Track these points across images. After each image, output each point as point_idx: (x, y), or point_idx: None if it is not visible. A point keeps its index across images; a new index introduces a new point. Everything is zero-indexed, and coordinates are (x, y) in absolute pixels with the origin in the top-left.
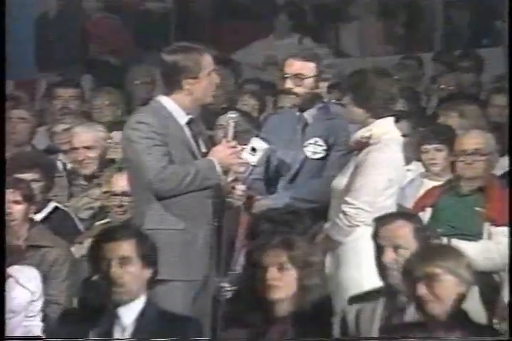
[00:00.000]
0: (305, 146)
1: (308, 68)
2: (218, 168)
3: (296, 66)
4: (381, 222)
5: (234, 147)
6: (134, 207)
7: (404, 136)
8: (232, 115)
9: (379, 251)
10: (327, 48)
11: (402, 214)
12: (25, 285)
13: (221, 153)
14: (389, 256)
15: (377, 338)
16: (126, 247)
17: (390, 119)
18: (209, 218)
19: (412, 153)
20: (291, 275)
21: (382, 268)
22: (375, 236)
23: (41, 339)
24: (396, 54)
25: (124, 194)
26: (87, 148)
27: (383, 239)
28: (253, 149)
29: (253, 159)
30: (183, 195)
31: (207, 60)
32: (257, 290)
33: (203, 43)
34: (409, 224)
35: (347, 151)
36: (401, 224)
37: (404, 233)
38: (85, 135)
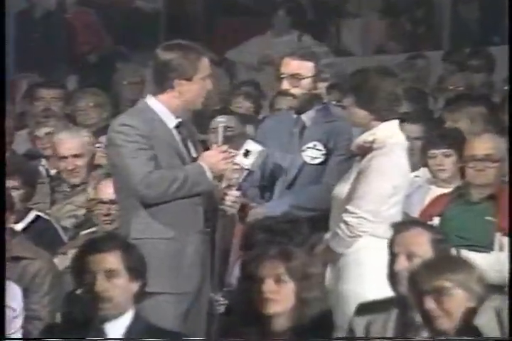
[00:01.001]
0: (303, 151)
1: (305, 68)
2: (209, 174)
3: (293, 65)
4: (398, 228)
5: (225, 152)
6: (120, 216)
7: (416, 138)
8: (221, 119)
9: (392, 258)
10: (326, 47)
11: (421, 222)
12: (7, 303)
13: (212, 158)
14: (401, 263)
15: (377, 338)
16: (112, 259)
17: (395, 122)
18: (200, 226)
19: (420, 158)
20: (289, 287)
21: (393, 277)
22: (391, 243)
23: (41, 339)
24: (401, 52)
25: (111, 202)
26: (76, 156)
27: (398, 245)
28: (247, 152)
29: (247, 162)
30: (171, 202)
31: (204, 63)
32: (253, 303)
33: (196, 41)
34: (427, 233)
35: (348, 156)
36: (418, 231)
37: (420, 241)
38: (71, 142)
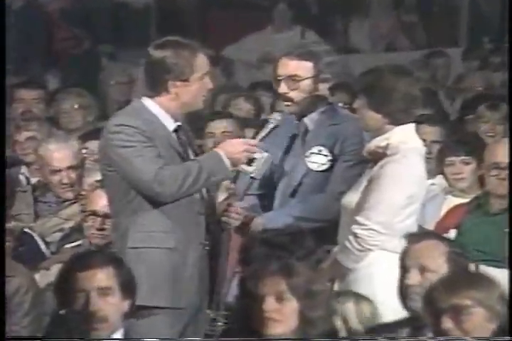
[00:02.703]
0: (307, 156)
1: (304, 68)
2: (226, 161)
3: (291, 66)
4: (411, 239)
5: (252, 145)
6: (115, 224)
7: (434, 142)
8: (275, 116)
9: (403, 272)
10: (328, 44)
11: (436, 234)
12: None
13: (232, 147)
14: (413, 278)
15: (377, 338)
16: (105, 276)
17: (411, 126)
18: (201, 237)
19: (436, 165)
20: (292, 306)
21: (404, 292)
22: (403, 255)
23: (41, 339)
24: (414, 49)
25: (106, 216)
26: (70, 168)
27: (410, 258)
28: (251, 158)
29: (251, 169)
30: (171, 209)
31: (201, 60)
32: (253, 323)
33: (190, 38)
34: (443, 246)
35: (355, 162)
36: (432, 244)
37: (434, 254)
38: (63, 152)
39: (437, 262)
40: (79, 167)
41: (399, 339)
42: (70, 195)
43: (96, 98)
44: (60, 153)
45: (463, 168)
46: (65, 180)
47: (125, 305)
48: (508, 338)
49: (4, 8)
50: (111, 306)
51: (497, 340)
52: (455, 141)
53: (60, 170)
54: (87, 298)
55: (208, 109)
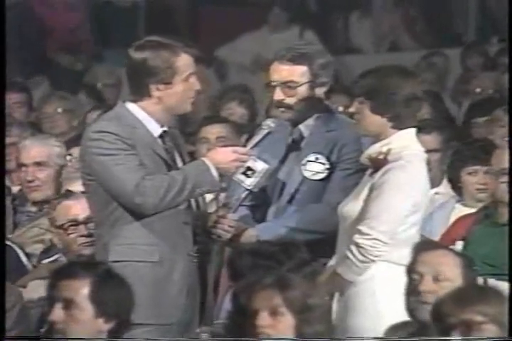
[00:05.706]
0: (303, 164)
1: (298, 73)
2: (214, 172)
3: (284, 72)
4: (422, 247)
5: (243, 154)
6: (97, 236)
7: (434, 150)
8: (268, 122)
9: (414, 279)
10: (320, 45)
11: (444, 245)
12: None
13: (220, 156)
14: (427, 285)
15: (377, 338)
16: (76, 288)
17: (412, 131)
18: (188, 249)
19: (441, 172)
20: (287, 321)
21: (413, 300)
22: (414, 262)
23: (41, 339)
24: (417, 49)
25: (87, 220)
26: (38, 164)
27: (422, 265)
28: (249, 169)
29: (248, 181)
30: (155, 220)
31: (184, 61)
32: (246, 339)
33: (179, 37)
34: (453, 255)
35: (354, 171)
36: (446, 253)
37: (450, 262)
38: (37, 149)
39: (454, 271)
40: (49, 167)
41: (399, 340)
42: (35, 196)
43: (81, 101)
44: (33, 150)
45: (487, 178)
46: (29, 177)
47: (102, 326)
48: (508, 338)
49: (5, 12)
50: (74, 322)
51: (497, 340)
52: (478, 148)
53: (25, 165)
54: (52, 309)
55: (201, 112)
